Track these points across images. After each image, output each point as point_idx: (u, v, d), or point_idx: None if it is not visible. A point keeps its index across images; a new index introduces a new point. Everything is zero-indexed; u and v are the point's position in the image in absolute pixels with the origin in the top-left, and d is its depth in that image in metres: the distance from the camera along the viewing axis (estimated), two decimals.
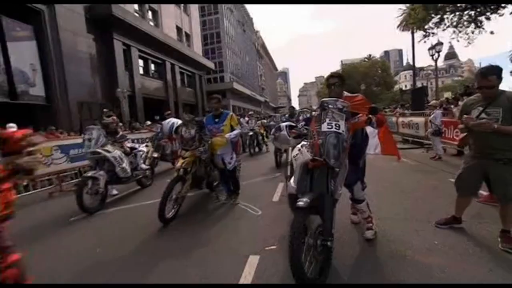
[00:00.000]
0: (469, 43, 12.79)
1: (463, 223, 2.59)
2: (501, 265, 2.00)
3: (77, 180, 5.99)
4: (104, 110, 4.62)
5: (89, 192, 3.85)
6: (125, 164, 4.22)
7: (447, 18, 12.34)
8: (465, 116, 2.32)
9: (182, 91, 25.51)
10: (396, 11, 15.71)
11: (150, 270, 2.28)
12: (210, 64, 31.25)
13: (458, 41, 12.93)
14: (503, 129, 2.09)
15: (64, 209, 4.13)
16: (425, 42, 13.53)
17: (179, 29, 25.72)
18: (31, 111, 11.84)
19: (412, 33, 13.65)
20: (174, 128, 3.60)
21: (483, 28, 12.00)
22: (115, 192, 4.62)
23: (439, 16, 12.35)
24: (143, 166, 4.82)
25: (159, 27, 21.88)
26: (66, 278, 2.24)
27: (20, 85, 11.14)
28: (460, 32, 12.51)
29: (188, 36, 27.76)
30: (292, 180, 2.27)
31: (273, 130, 5.31)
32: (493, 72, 2.16)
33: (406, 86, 60.82)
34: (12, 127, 5.74)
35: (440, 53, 13.53)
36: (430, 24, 12.81)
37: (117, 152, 4.17)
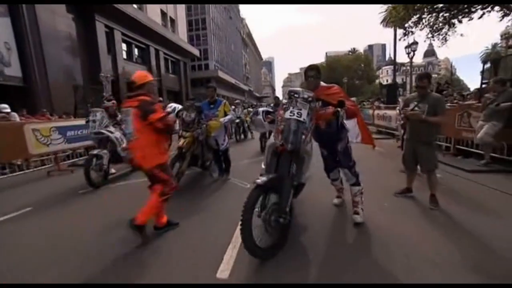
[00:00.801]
0: (442, 43, 13.79)
1: (413, 192, 3.33)
2: (426, 216, 2.80)
3: (72, 160, 6.20)
4: (104, 94, 4.82)
5: (94, 169, 4.17)
6: (125, 145, 4.53)
7: (425, 18, 13.14)
8: (404, 108, 3.13)
9: (166, 78, 25.05)
10: (380, 7, 16.38)
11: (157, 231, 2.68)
12: (195, 51, 30.66)
13: (433, 40, 13.88)
14: (427, 119, 2.90)
15: (71, 184, 4.51)
16: (404, 40, 14.36)
17: (163, 14, 24.94)
18: (6, 91, 11.35)
19: (395, 30, 14.32)
20: (175, 112, 3.96)
21: (455, 30, 12.98)
22: (113, 170, 4.89)
23: (417, 15, 13.10)
24: None
25: (143, 11, 21.15)
26: (89, 236, 2.66)
27: None
28: (435, 32, 13.40)
29: (173, 21, 26.98)
30: (263, 162, 2.50)
31: (251, 113, 5.35)
32: (426, 77, 3.00)
33: (387, 80, 62.91)
34: (5, 108, 5.76)
35: (416, 52, 14.39)
36: (410, 23, 13.56)
37: (118, 133, 4.47)
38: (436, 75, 60.14)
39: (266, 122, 2.61)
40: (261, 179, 2.00)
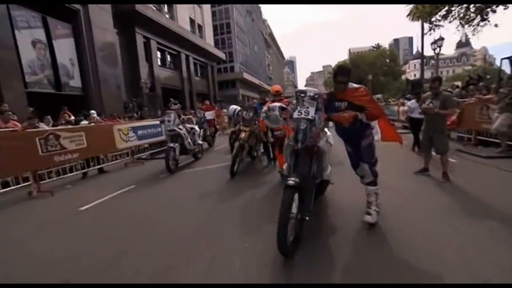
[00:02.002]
0: (473, 34, 13.45)
1: (430, 171, 4.12)
2: (438, 187, 3.60)
3: (141, 154, 7.56)
4: (171, 99, 6.04)
5: (170, 159, 5.30)
6: (190, 140, 5.73)
7: (454, 10, 12.92)
8: (422, 105, 3.93)
9: (196, 81, 26.57)
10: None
11: (231, 198, 3.69)
12: (221, 55, 31.97)
13: (465, 30, 13.54)
14: (439, 112, 3.71)
15: (150, 171, 5.77)
16: (431, 34, 14.22)
17: (192, 21, 26.54)
18: (71, 100, 13.28)
19: (422, 23, 14.19)
20: (236, 112, 5.02)
21: (489, 21, 12.63)
22: None
23: (446, 8, 12.92)
24: (199, 142, 6.36)
25: (174, 20, 22.87)
26: (180, 203, 3.74)
27: (63, 78, 12.53)
28: (465, 24, 13.08)
29: (200, 27, 28.57)
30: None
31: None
32: (437, 80, 3.85)
33: (415, 75, 60.15)
34: (94, 113, 7.25)
35: (442, 47, 14.24)
36: (437, 16, 13.40)
37: (184, 130, 5.66)
38: (470, 67, 56.20)
39: (281, 118, 2.73)
40: (292, 180, 2.04)
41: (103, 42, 14.39)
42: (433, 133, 3.81)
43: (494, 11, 12.34)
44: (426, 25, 14.13)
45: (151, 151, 7.68)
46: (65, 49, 12.54)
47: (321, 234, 2.50)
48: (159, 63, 21.11)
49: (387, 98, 17.53)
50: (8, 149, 4.13)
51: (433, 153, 3.99)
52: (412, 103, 5.87)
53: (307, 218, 2.19)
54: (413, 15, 15.40)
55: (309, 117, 2.20)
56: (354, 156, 2.78)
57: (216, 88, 31.84)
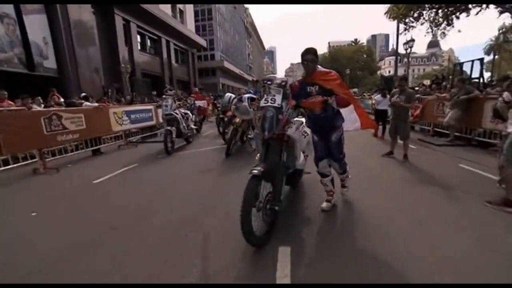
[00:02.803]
0: (440, 37, 14.93)
1: (394, 154, 4.96)
2: (399, 166, 4.48)
3: (133, 137, 7.75)
4: (166, 85, 6.29)
5: (167, 141, 5.60)
6: (184, 124, 6.08)
7: (426, 13, 14.22)
8: (392, 98, 4.72)
9: (176, 68, 25.96)
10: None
11: (231, 172, 4.19)
12: (202, 42, 31.29)
13: (433, 34, 15.00)
14: (404, 105, 4.55)
15: (147, 152, 6.09)
16: (405, 34, 15.48)
17: (173, 5, 25.74)
18: (45, 82, 12.60)
19: (398, 23, 15.30)
20: (231, 99, 5.43)
21: (453, 26, 14.11)
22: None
23: (418, 11, 14.16)
24: (192, 126, 6.73)
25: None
26: (178, 179, 4.12)
27: (36, 57, 11.78)
28: (435, 27, 14.46)
29: (181, 12, 27.70)
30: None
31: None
32: (404, 79, 4.86)
33: (389, 71, 63.40)
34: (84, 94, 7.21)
35: (413, 48, 15.53)
36: (411, 18, 14.61)
37: (180, 115, 5.98)
38: (438, 67, 60.44)
39: (251, 109, 2.77)
40: (257, 169, 2.01)
41: (79, 21, 13.65)
42: (398, 123, 4.65)
43: (458, 17, 13.80)
44: (402, 26, 15.29)
45: (142, 135, 7.89)
46: (37, 26, 11.74)
47: (296, 222, 2.55)
48: (139, 48, 20.40)
49: (363, 93, 18.72)
50: (16, 127, 4.27)
51: (400, 141, 4.80)
52: (378, 97, 6.82)
53: (277, 208, 2.14)
54: (389, 15, 16.45)
55: (276, 104, 2.16)
56: (321, 148, 2.72)
57: (197, 76, 31.34)
